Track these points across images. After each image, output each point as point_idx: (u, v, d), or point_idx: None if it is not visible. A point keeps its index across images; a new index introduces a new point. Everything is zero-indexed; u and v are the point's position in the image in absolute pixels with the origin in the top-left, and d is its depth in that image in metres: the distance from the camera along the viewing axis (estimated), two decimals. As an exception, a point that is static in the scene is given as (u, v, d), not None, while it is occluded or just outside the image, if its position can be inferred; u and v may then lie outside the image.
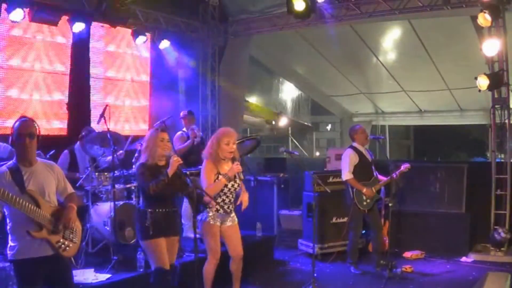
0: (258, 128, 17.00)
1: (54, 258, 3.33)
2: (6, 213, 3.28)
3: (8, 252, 3.30)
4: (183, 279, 4.85)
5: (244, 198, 4.78)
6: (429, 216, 7.39)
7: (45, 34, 6.83)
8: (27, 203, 3.18)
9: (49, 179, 3.43)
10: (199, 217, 4.73)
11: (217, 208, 4.67)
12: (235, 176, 4.71)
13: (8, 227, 3.30)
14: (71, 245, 3.43)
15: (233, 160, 4.78)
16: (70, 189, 3.62)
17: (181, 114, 7.32)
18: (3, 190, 3.08)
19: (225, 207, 4.73)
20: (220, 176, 4.65)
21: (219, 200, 4.70)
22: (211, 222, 4.68)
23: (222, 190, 4.67)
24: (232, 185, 4.73)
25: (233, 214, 4.85)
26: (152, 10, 8.23)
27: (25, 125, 3.33)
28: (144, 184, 4.09)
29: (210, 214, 4.69)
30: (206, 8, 9.35)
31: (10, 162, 3.36)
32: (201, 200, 4.38)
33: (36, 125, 3.36)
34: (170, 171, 4.11)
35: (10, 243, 3.29)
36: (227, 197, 4.74)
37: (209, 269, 4.72)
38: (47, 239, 3.28)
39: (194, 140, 6.96)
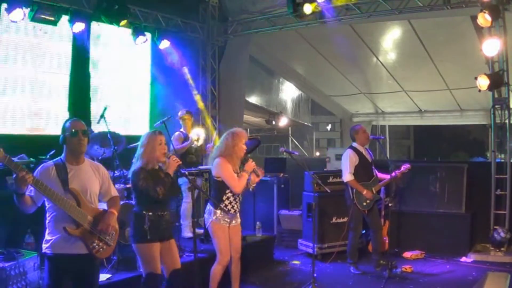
0: (258, 128, 16.97)
1: (86, 257, 3.34)
2: (47, 207, 3.31)
3: (43, 245, 3.33)
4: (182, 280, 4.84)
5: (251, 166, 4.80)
6: (429, 216, 7.38)
7: (45, 34, 6.81)
8: (67, 200, 3.22)
9: (93, 179, 3.46)
10: (207, 217, 4.74)
11: (228, 208, 4.68)
12: None
13: (47, 221, 3.33)
14: (105, 247, 3.44)
15: (245, 157, 4.83)
16: (114, 192, 3.64)
17: (179, 113, 7.32)
18: (45, 185, 3.11)
19: (235, 206, 4.76)
20: (236, 173, 4.69)
21: (231, 199, 4.72)
22: (221, 223, 4.68)
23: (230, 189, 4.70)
24: None
25: (238, 214, 4.87)
26: (152, 10, 8.23)
27: (79, 123, 3.45)
28: (150, 189, 3.99)
29: (219, 214, 4.67)
30: (206, 8, 9.35)
31: (57, 158, 3.41)
32: None
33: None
34: (170, 171, 4.10)
35: (47, 237, 3.32)
36: (238, 195, 4.76)
37: (218, 269, 4.70)
38: (82, 238, 3.29)
39: (194, 143, 6.96)
